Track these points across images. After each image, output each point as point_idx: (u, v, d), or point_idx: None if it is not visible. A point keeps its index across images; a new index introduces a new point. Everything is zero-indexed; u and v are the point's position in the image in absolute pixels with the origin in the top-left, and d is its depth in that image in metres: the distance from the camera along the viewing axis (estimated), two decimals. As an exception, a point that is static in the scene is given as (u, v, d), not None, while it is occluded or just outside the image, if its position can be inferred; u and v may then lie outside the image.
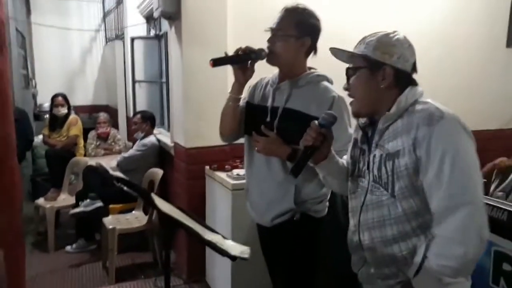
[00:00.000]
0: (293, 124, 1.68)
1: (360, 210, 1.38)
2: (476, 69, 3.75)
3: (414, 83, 1.33)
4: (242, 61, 1.69)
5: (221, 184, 2.72)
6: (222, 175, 2.75)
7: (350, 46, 1.37)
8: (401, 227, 1.27)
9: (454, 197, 1.14)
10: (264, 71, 1.84)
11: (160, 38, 4.65)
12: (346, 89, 1.40)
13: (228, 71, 2.09)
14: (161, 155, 3.91)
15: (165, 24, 4.00)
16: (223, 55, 1.70)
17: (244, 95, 1.86)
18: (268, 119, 1.76)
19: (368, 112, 1.37)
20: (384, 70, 1.30)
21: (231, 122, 1.84)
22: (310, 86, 1.75)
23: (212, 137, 2.79)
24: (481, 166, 1.27)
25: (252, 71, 1.74)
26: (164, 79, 4.54)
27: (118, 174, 3.71)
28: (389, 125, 1.30)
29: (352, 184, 1.45)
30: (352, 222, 1.44)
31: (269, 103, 1.80)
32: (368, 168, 1.35)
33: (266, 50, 1.70)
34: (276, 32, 1.70)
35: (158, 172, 3.56)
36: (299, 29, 1.70)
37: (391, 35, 1.32)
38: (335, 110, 1.51)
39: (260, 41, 1.72)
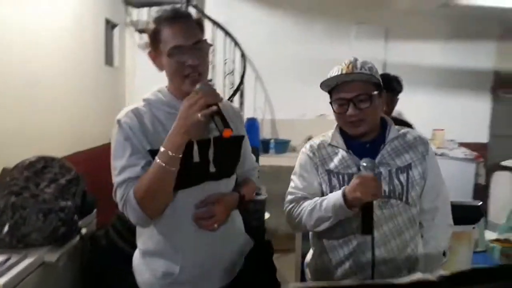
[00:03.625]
0: (229, 154, 1.44)
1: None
2: (79, 86, 3.58)
3: None
4: None
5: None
6: None
7: None
8: (415, 228, 1.54)
9: (446, 193, 1.59)
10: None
11: None
12: (354, 115, 1.46)
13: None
14: None
15: None
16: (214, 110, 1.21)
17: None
18: (196, 159, 1.32)
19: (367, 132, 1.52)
20: (382, 93, 1.52)
21: (170, 194, 1.28)
22: None
23: None
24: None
25: None
26: None
27: None
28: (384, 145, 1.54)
29: None
30: (355, 242, 1.49)
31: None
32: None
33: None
34: (204, 46, 1.33)
35: None
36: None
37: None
38: (242, 122, 1.56)
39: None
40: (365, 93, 1.44)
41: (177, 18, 1.30)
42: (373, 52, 5.01)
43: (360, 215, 1.37)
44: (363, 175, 1.36)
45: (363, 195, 1.32)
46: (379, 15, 4.97)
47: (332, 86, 1.51)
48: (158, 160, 1.21)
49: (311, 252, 1.70)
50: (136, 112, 1.32)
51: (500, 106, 5.23)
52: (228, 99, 4.50)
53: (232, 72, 4.78)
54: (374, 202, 1.39)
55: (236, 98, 4.59)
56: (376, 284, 0.83)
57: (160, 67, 1.35)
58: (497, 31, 5.10)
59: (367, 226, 1.35)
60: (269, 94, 5.06)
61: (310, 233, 1.70)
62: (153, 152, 1.26)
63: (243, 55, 4.69)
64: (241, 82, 4.54)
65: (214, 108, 1.19)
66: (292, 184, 1.61)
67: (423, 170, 1.52)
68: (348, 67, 1.46)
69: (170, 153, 1.19)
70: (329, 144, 1.57)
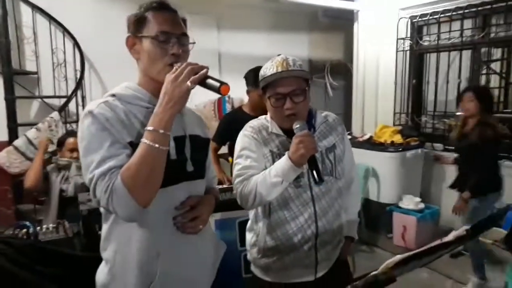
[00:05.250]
0: (202, 154, 1.42)
1: (312, 202, 1.64)
2: None
3: None
4: None
5: None
6: None
7: None
8: (342, 197, 1.75)
9: (355, 164, 1.88)
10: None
11: None
12: (290, 108, 1.57)
13: None
14: None
15: None
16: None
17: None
18: (173, 156, 1.26)
19: None
20: (309, 88, 1.64)
21: (161, 178, 1.18)
22: None
23: None
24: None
25: None
26: None
27: None
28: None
29: (286, 189, 1.58)
30: (302, 218, 1.64)
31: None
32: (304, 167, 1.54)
33: None
34: (187, 41, 1.31)
35: None
36: None
37: None
38: (207, 126, 1.53)
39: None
40: (300, 88, 1.58)
41: (166, 8, 1.27)
42: (207, 42, 5.16)
43: (308, 170, 1.53)
44: (300, 134, 1.49)
45: (307, 150, 1.45)
46: (210, 6, 5.12)
47: (268, 82, 1.59)
48: (147, 141, 1.13)
49: (251, 235, 1.77)
50: (108, 104, 1.22)
51: (314, 88, 6.08)
52: (71, 94, 4.03)
53: (63, 63, 4.23)
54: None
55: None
56: (430, 247, 0.96)
57: (137, 54, 1.28)
58: (308, 25, 5.89)
59: (318, 176, 1.48)
60: (106, 87, 4.67)
61: (252, 216, 1.77)
62: (134, 145, 1.17)
63: (77, 44, 4.21)
64: (82, 76, 4.08)
65: (205, 71, 1.18)
66: (238, 167, 1.63)
67: (343, 147, 1.75)
68: (282, 64, 1.57)
69: (160, 130, 1.13)
70: (271, 132, 1.66)
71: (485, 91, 3.36)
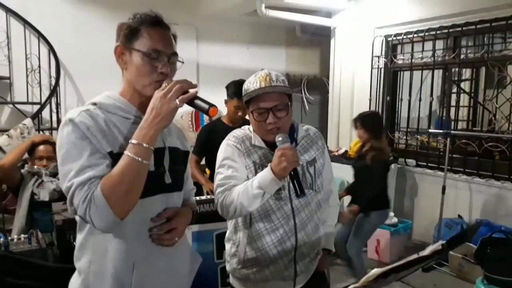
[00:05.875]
0: (180, 167, 1.40)
1: (293, 215, 1.66)
2: None
3: None
4: None
5: None
6: None
7: None
8: (321, 210, 1.77)
9: (334, 177, 1.90)
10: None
11: None
12: (273, 123, 1.58)
13: None
14: None
15: None
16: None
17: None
18: (152, 168, 1.24)
19: None
20: (291, 102, 1.66)
21: (140, 191, 1.18)
22: None
23: None
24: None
25: None
26: None
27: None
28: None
29: (267, 201, 1.60)
30: (282, 230, 1.65)
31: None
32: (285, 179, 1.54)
33: None
34: (176, 60, 1.30)
35: None
36: None
37: None
38: (187, 138, 1.52)
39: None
40: (282, 103, 1.60)
41: (160, 25, 1.26)
42: (186, 52, 5.14)
43: (290, 182, 1.54)
44: (282, 147, 1.49)
45: (289, 163, 1.45)
46: (190, 17, 5.14)
47: (252, 97, 1.61)
48: (130, 154, 1.13)
49: (230, 246, 1.77)
50: (89, 113, 1.20)
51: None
52: (46, 101, 3.95)
53: (38, 69, 4.15)
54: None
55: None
56: (408, 261, 0.98)
57: (124, 64, 1.27)
58: (286, 39, 5.98)
59: (300, 189, 1.48)
60: (82, 94, 4.60)
61: (231, 226, 1.76)
62: (113, 155, 1.16)
63: (52, 50, 4.14)
64: (57, 83, 4.01)
65: (194, 91, 1.18)
66: (220, 176, 1.64)
67: (323, 160, 1.78)
68: (266, 79, 1.59)
69: (144, 144, 1.14)
70: (253, 144, 1.67)
71: (369, 119, 3.44)
